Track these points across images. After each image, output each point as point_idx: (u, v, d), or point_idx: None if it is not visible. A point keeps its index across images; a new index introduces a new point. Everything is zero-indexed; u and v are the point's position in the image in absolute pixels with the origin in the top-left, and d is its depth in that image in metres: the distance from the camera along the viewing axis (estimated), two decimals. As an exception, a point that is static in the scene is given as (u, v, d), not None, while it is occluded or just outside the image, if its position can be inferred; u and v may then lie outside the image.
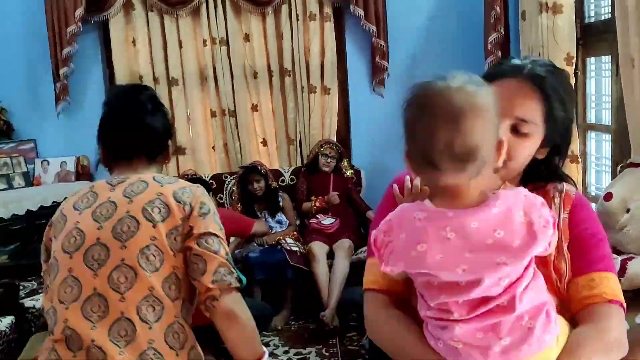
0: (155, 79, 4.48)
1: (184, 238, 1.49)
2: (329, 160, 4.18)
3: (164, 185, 1.55)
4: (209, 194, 3.60)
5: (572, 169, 3.28)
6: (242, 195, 4.09)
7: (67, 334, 1.43)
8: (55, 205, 4.22)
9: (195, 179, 4.05)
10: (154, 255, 1.45)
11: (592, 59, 3.40)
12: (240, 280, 1.50)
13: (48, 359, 1.45)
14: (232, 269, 1.49)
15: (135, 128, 1.62)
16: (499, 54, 4.10)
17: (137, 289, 1.43)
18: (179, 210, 1.50)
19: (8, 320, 3.02)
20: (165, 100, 4.46)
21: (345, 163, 4.33)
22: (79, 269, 1.46)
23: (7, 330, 2.96)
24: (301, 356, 3.39)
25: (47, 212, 4.23)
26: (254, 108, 4.60)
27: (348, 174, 4.29)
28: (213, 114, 4.58)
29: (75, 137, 4.51)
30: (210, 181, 4.34)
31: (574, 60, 3.20)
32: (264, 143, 4.66)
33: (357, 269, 3.66)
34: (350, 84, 4.65)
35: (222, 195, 4.40)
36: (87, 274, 1.45)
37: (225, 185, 4.42)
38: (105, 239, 1.47)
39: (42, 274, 1.65)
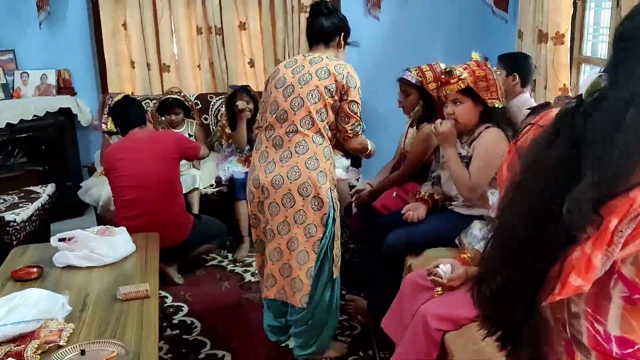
0: (139, -9, 4.29)
1: (338, 95, 2.45)
2: None
3: (331, 61, 2.48)
4: (189, 115, 3.54)
5: (563, 103, 3.25)
6: (229, 116, 3.99)
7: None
8: (37, 118, 4.14)
9: (177, 100, 3.95)
10: (315, 96, 2.42)
11: (593, -12, 3.30)
12: (363, 130, 2.61)
13: None
14: (361, 122, 2.53)
15: (312, 26, 2.58)
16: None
17: (302, 111, 2.42)
18: (335, 77, 2.43)
19: (-12, 233, 3.00)
20: (149, 14, 4.32)
21: None
22: (280, 97, 2.47)
23: (-13, 242, 2.95)
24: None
25: (27, 125, 4.15)
26: (242, 26, 4.45)
27: None
28: (199, 31, 4.43)
29: (57, 49, 4.36)
30: (195, 101, 4.25)
31: (574, -11, 3.10)
32: (251, 64, 4.54)
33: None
34: (344, 4, 4.48)
35: (207, 116, 4.33)
36: (282, 100, 2.47)
37: (211, 106, 4.33)
38: (294, 83, 2.45)
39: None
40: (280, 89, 2.46)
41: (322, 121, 2.42)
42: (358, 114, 2.47)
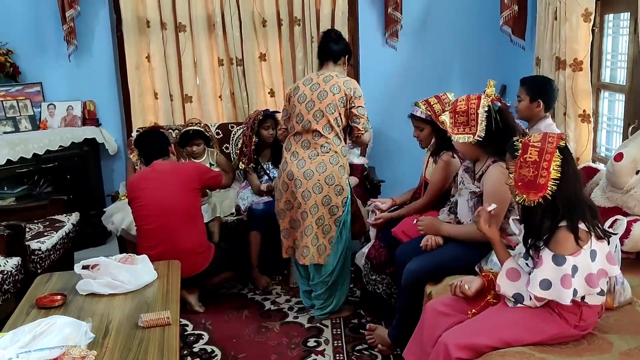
0: (162, 25, 4.40)
1: (347, 105, 3.09)
2: None
3: (340, 78, 3.11)
4: (209, 144, 3.52)
5: (582, 129, 3.24)
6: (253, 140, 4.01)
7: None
8: (62, 148, 4.24)
9: (198, 130, 3.99)
10: (332, 108, 3.05)
11: (611, 15, 3.30)
12: (370, 127, 3.25)
13: None
14: (368, 122, 3.18)
15: (324, 48, 3.21)
16: (516, 8, 3.99)
17: (323, 120, 3.06)
18: (344, 91, 3.07)
19: (14, 261, 3.06)
20: (172, 47, 4.42)
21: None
22: (303, 110, 3.08)
23: (13, 270, 3.00)
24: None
25: (53, 156, 4.25)
26: (262, 57, 4.53)
27: None
28: (220, 62, 4.51)
29: (82, 81, 4.48)
30: (217, 130, 4.31)
31: (592, 17, 3.11)
32: (272, 94, 4.60)
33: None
34: (361, 35, 4.56)
35: (228, 145, 4.38)
36: (305, 113, 3.08)
37: (232, 135, 4.39)
38: (314, 99, 3.07)
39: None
40: (303, 104, 3.11)
41: (339, 126, 3.11)
42: (365, 115, 3.15)
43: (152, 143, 3.44)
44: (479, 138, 2.45)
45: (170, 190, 3.22)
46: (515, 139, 2.04)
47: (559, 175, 1.88)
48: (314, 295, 3.27)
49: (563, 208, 1.89)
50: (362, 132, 3.15)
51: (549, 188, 1.88)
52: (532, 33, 3.92)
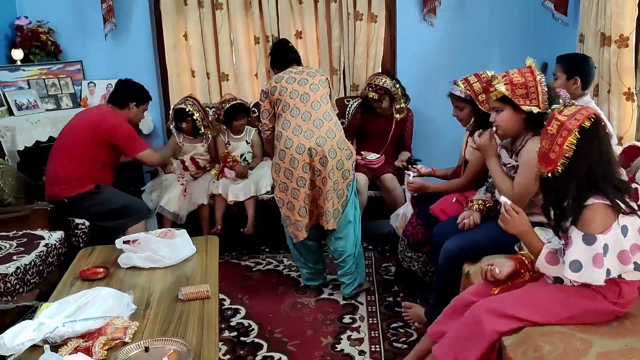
0: (199, 3, 4.42)
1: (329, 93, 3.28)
2: (376, 104, 4.06)
3: (317, 72, 3.29)
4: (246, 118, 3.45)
5: (626, 107, 3.14)
6: None
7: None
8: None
9: (241, 104, 4.07)
10: (325, 99, 3.19)
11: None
12: None
13: None
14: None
15: (289, 56, 3.40)
16: (558, -17, 3.88)
17: (322, 109, 3.14)
18: (328, 83, 3.27)
19: (58, 234, 3.15)
20: (209, 25, 4.43)
21: (401, 103, 4.07)
22: (299, 103, 3.13)
23: (57, 243, 3.09)
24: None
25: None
26: (298, 35, 4.51)
27: (397, 117, 4.09)
28: (257, 40, 4.51)
29: (121, 59, 4.53)
30: (253, 109, 4.33)
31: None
32: (308, 72, 4.59)
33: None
34: (399, 11, 4.49)
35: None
36: (302, 104, 3.13)
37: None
38: (307, 92, 3.15)
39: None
40: (296, 98, 3.13)
41: (329, 99, 3.23)
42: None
43: (118, 89, 3.71)
44: (543, 109, 2.39)
45: (75, 128, 3.54)
46: (552, 107, 2.00)
47: (571, 154, 1.85)
48: (342, 272, 3.29)
49: (573, 187, 1.86)
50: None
51: (558, 165, 1.87)
52: (575, 9, 3.81)
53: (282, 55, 3.38)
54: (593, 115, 1.88)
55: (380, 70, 4.46)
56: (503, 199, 2.13)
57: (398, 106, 4.05)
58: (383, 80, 3.98)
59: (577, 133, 1.84)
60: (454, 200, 2.98)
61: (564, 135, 1.86)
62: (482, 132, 2.64)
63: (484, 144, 2.63)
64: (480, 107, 2.83)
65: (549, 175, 1.91)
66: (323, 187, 3.11)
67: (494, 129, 2.53)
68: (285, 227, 3.28)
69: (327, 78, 3.30)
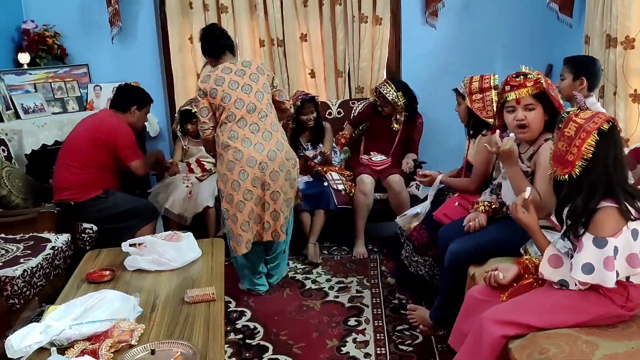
0: (204, 6, 4.43)
1: (271, 82, 3.28)
2: (380, 108, 4.09)
3: (252, 63, 3.28)
4: None
5: (633, 109, 3.14)
6: (294, 124, 4.07)
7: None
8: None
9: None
10: (266, 87, 3.21)
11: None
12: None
13: None
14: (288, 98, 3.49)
15: (220, 42, 3.30)
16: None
17: (264, 99, 3.17)
18: (265, 71, 3.27)
19: (64, 237, 3.17)
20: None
21: (402, 115, 4.02)
22: (241, 94, 3.11)
23: (64, 246, 3.11)
24: (343, 285, 3.46)
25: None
26: (303, 38, 4.52)
27: (395, 128, 4.07)
28: (262, 43, 4.52)
29: (127, 63, 4.55)
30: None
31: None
32: (312, 74, 4.60)
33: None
34: (403, 13, 4.50)
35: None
36: (245, 96, 3.12)
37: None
38: (248, 82, 3.15)
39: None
40: (238, 89, 3.12)
41: (272, 105, 3.24)
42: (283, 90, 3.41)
43: (118, 94, 3.72)
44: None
45: (79, 137, 3.56)
46: (567, 110, 1.99)
47: (590, 156, 1.83)
48: (271, 266, 3.46)
49: (587, 190, 1.85)
50: (288, 102, 3.44)
51: (576, 167, 1.85)
52: (580, 10, 3.80)
53: (210, 42, 3.28)
54: (611, 119, 1.88)
55: (384, 73, 4.47)
56: (527, 191, 2.11)
57: (398, 116, 4.05)
58: (387, 89, 3.99)
59: (596, 135, 1.84)
60: (456, 204, 2.98)
61: (583, 137, 1.84)
62: (505, 138, 2.42)
63: (511, 150, 2.39)
64: (469, 104, 2.93)
65: (566, 177, 1.89)
66: (273, 203, 3.16)
67: (514, 138, 2.41)
68: (228, 239, 3.25)
69: (263, 64, 3.35)
